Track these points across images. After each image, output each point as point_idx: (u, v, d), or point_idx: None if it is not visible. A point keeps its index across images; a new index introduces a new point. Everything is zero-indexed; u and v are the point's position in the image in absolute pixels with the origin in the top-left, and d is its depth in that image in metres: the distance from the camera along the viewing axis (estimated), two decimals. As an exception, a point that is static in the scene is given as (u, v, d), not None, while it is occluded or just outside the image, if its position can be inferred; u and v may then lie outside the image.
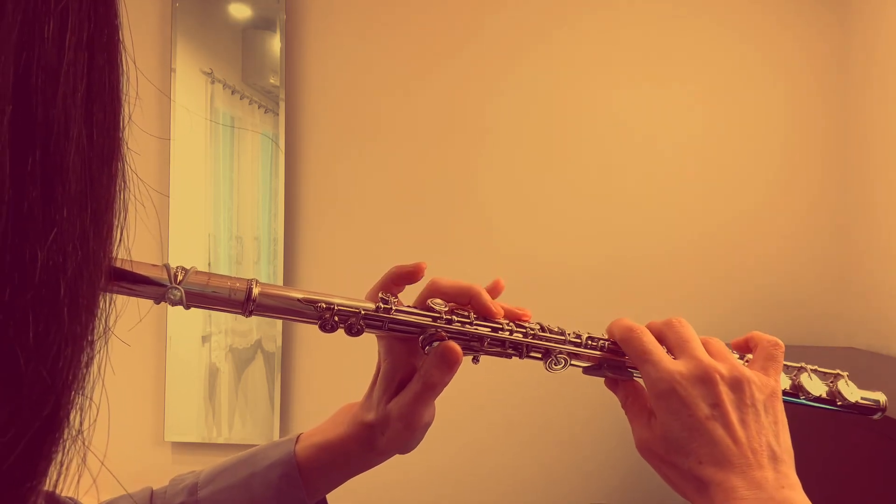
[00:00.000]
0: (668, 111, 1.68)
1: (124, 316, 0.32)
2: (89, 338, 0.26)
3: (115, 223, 0.27)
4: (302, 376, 1.72)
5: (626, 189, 1.68)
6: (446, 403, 0.48)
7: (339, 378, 1.67)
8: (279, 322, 1.68)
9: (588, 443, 1.67)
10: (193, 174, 1.68)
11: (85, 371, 0.26)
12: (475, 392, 1.67)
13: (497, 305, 0.48)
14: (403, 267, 0.48)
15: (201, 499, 0.51)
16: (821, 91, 1.66)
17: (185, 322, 1.68)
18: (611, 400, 0.53)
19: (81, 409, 0.26)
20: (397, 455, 0.52)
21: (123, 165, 0.27)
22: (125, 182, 0.27)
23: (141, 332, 1.71)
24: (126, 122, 0.27)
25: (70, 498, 0.48)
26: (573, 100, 1.69)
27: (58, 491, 0.25)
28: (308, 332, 1.71)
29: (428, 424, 0.50)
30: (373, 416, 0.50)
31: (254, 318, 1.87)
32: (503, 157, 1.70)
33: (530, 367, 1.77)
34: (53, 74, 0.22)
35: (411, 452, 0.52)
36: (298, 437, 0.54)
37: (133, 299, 0.37)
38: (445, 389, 0.47)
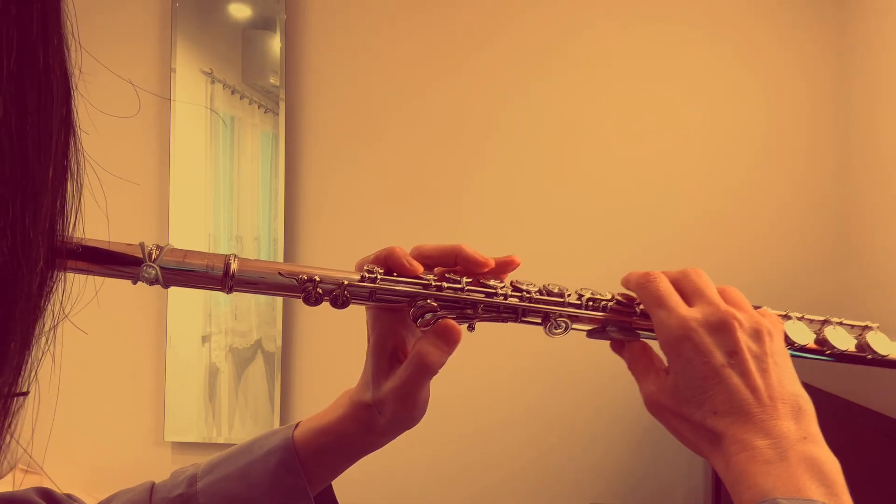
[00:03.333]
0: (670, 117, 1.68)
1: (81, 300, 0.31)
2: (25, 327, 0.24)
3: (63, 206, 0.25)
4: (302, 376, 1.72)
5: (626, 189, 1.68)
6: (446, 401, 0.48)
7: (340, 378, 1.66)
8: (279, 322, 1.68)
9: (587, 442, 1.67)
10: (194, 174, 1.68)
11: (20, 361, 0.24)
12: (473, 391, 1.67)
13: (484, 256, 0.46)
14: (401, 256, 0.45)
15: (200, 489, 0.50)
16: (820, 92, 1.66)
17: (185, 322, 1.68)
18: (610, 399, 0.53)
19: (12, 403, 0.24)
20: (395, 452, 0.51)
21: (73, 145, 0.25)
22: (77, 162, 0.26)
23: (141, 332, 1.71)
24: (73, 98, 0.25)
25: (68, 495, 0.48)
26: (573, 100, 1.69)
27: None
28: (308, 332, 1.71)
29: (427, 400, 0.47)
30: (369, 396, 0.48)
31: (254, 317, 1.85)
32: (503, 157, 1.70)
33: (528, 365, 1.75)
34: None
35: (411, 452, 0.51)
36: (297, 424, 0.53)
37: (84, 287, 0.35)
38: (444, 385, 0.46)
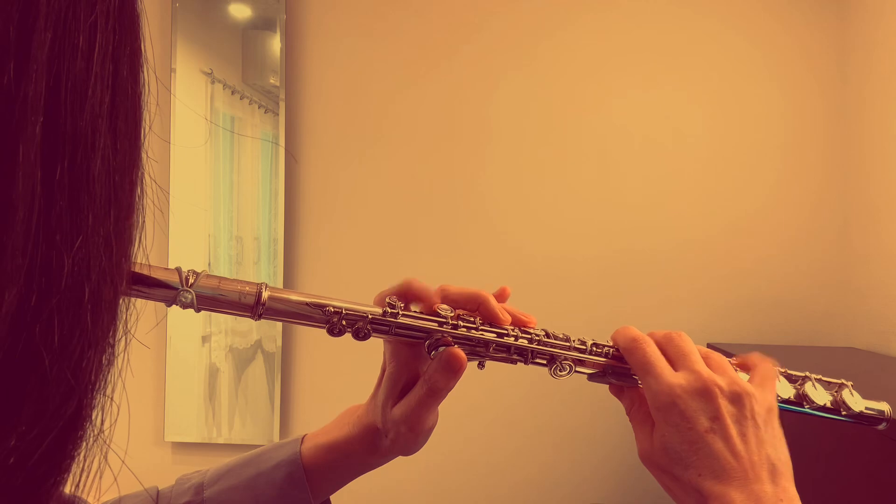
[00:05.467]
0: (670, 112, 1.68)
1: (141, 319, 0.33)
2: (111, 340, 0.26)
3: (135, 228, 0.28)
4: (302, 376, 1.72)
5: (628, 189, 1.68)
6: (445, 403, 0.49)
7: (340, 378, 1.67)
8: (279, 322, 1.68)
9: (587, 443, 1.67)
10: (193, 174, 1.68)
11: (107, 372, 0.26)
12: (473, 392, 1.67)
13: (504, 312, 0.48)
14: (419, 288, 0.48)
15: (207, 498, 0.51)
16: (821, 91, 1.66)
17: (185, 322, 1.68)
18: (609, 400, 0.53)
19: (103, 409, 0.27)
20: (395, 460, 0.52)
21: (143, 173, 0.28)
22: (143, 188, 0.28)
23: (141, 331, 1.70)
24: (146, 131, 0.27)
25: (73, 495, 0.48)
26: (574, 100, 1.69)
27: (80, 489, 0.26)
28: (308, 333, 1.71)
29: (432, 428, 0.50)
30: (377, 419, 0.50)
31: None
32: (504, 158, 1.70)
33: (528, 368, 1.76)
34: (82, 87, 0.23)
35: (410, 459, 0.52)
36: (303, 438, 0.54)
37: (148, 302, 0.37)
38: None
